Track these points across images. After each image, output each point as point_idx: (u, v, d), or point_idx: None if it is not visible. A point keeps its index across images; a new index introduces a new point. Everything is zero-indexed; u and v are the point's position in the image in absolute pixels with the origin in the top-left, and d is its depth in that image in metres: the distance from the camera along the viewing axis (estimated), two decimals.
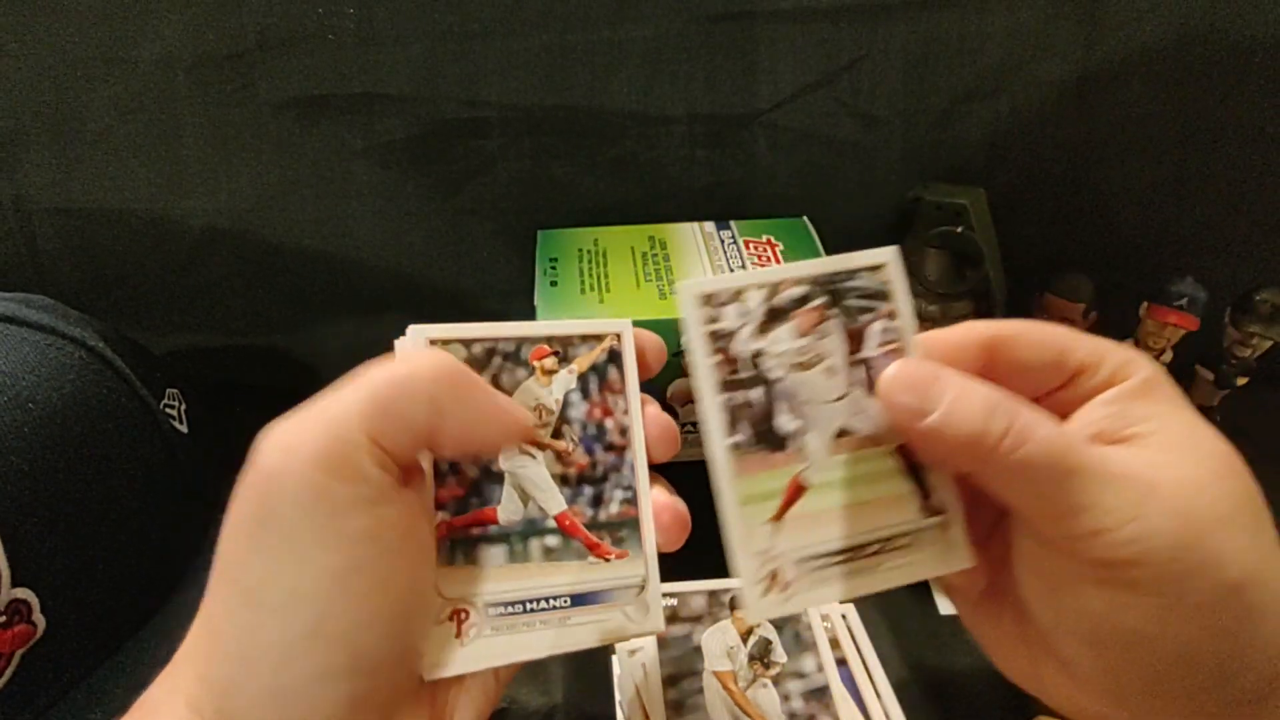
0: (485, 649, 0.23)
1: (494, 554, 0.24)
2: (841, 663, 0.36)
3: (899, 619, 0.40)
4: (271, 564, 0.20)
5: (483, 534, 0.25)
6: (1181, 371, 0.50)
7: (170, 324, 0.51)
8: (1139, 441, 0.22)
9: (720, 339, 0.23)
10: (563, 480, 0.26)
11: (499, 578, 0.24)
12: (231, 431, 0.48)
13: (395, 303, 0.52)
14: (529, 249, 0.48)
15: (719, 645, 0.36)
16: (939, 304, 0.47)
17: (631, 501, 0.26)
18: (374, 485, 0.21)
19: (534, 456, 0.26)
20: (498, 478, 0.25)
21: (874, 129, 0.48)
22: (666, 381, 0.45)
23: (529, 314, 0.43)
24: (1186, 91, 0.47)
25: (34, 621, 0.31)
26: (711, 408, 0.23)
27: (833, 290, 0.24)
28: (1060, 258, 0.52)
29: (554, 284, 0.44)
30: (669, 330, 0.42)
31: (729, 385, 0.23)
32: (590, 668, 0.38)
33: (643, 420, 0.27)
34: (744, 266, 0.45)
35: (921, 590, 0.42)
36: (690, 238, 0.48)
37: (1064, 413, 0.23)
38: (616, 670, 0.37)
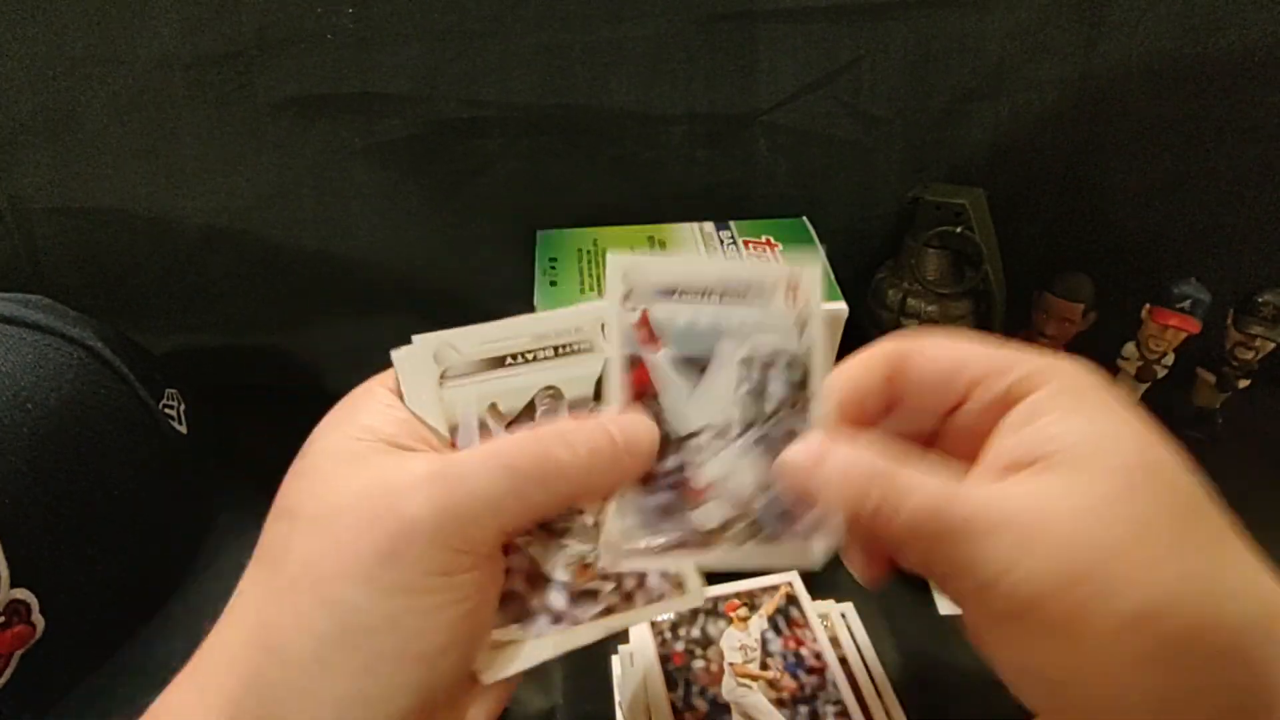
0: None
1: None
2: (842, 661, 0.36)
3: (899, 619, 0.40)
4: (375, 596, 0.20)
5: None
6: (1183, 374, 0.50)
7: (170, 324, 0.51)
8: (1041, 467, 0.20)
9: None
10: (779, 703, 0.31)
11: None
12: (231, 431, 0.49)
13: (395, 303, 0.52)
14: (529, 249, 0.48)
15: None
16: (938, 304, 0.47)
17: (843, 714, 0.32)
18: (492, 562, 0.22)
19: (751, 687, 0.32)
20: (725, 708, 0.31)
21: (874, 129, 0.48)
22: None
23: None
24: (1186, 91, 0.47)
25: (33, 622, 0.31)
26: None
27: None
28: (1060, 258, 0.52)
29: (554, 284, 0.44)
30: None
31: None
32: (590, 668, 0.38)
33: None
34: None
35: (921, 590, 0.42)
36: (690, 238, 0.48)
37: (978, 432, 0.22)
38: (616, 670, 0.37)
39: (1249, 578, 0.19)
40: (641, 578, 0.26)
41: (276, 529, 0.22)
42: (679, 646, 0.35)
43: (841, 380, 0.24)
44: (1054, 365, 0.22)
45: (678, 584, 0.26)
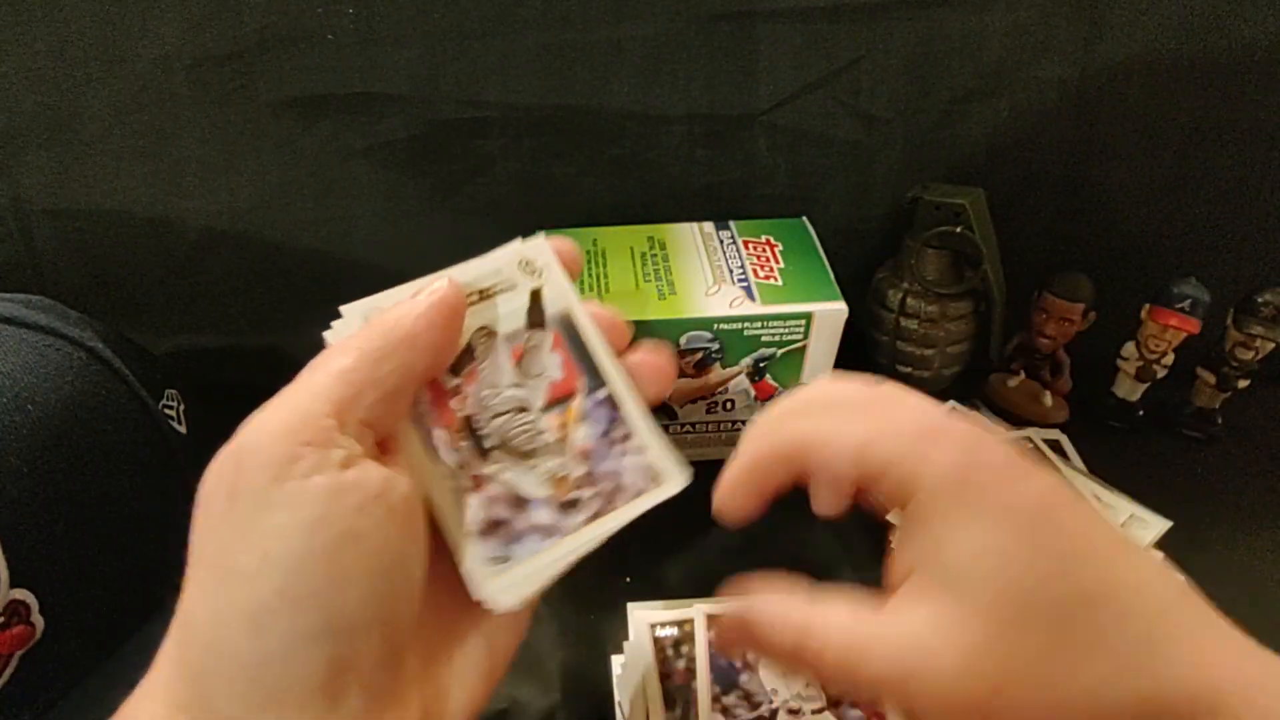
0: None
1: None
2: None
3: None
4: (240, 530, 0.20)
5: None
6: (1183, 374, 0.50)
7: (169, 324, 0.51)
8: (931, 590, 0.21)
9: None
10: None
11: None
12: (230, 432, 0.49)
13: None
14: None
15: None
16: (938, 304, 0.47)
17: None
18: (343, 449, 0.21)
19: None
20: None
21: (873, 129, 0.48)
22: None
23: None
24: (1186, 91, 0.47)
25: (33, 623, 0.31)
26: None
27: None
28: (1060, 258, 0.52)
29: None
30: (668, 331, 0.42)
31: None
32: (590, 668, 0.38)
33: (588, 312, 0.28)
34: (743, 267, 0.45)
35: None
36: (689, 238, 0.48)
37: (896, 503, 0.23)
38: (616, 670, 0.37)
39: (1155, 670, 0.20)
40: (618, 477, 0.26)
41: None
42: (680, 665, 0.35)
43: (736, 470, 0.25)
44: (928, 455, 0.22)
45: (654, 476, 0.26)
